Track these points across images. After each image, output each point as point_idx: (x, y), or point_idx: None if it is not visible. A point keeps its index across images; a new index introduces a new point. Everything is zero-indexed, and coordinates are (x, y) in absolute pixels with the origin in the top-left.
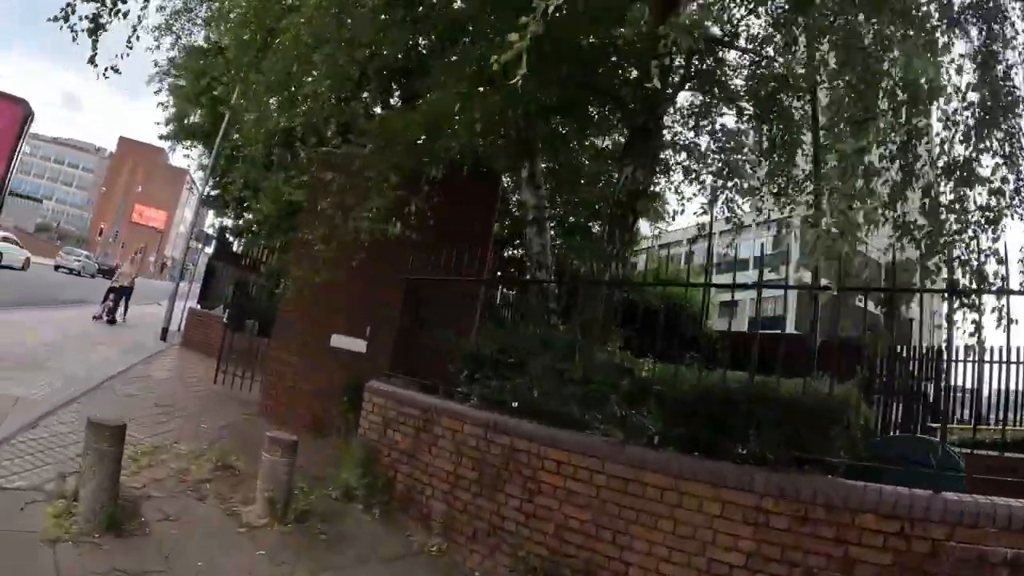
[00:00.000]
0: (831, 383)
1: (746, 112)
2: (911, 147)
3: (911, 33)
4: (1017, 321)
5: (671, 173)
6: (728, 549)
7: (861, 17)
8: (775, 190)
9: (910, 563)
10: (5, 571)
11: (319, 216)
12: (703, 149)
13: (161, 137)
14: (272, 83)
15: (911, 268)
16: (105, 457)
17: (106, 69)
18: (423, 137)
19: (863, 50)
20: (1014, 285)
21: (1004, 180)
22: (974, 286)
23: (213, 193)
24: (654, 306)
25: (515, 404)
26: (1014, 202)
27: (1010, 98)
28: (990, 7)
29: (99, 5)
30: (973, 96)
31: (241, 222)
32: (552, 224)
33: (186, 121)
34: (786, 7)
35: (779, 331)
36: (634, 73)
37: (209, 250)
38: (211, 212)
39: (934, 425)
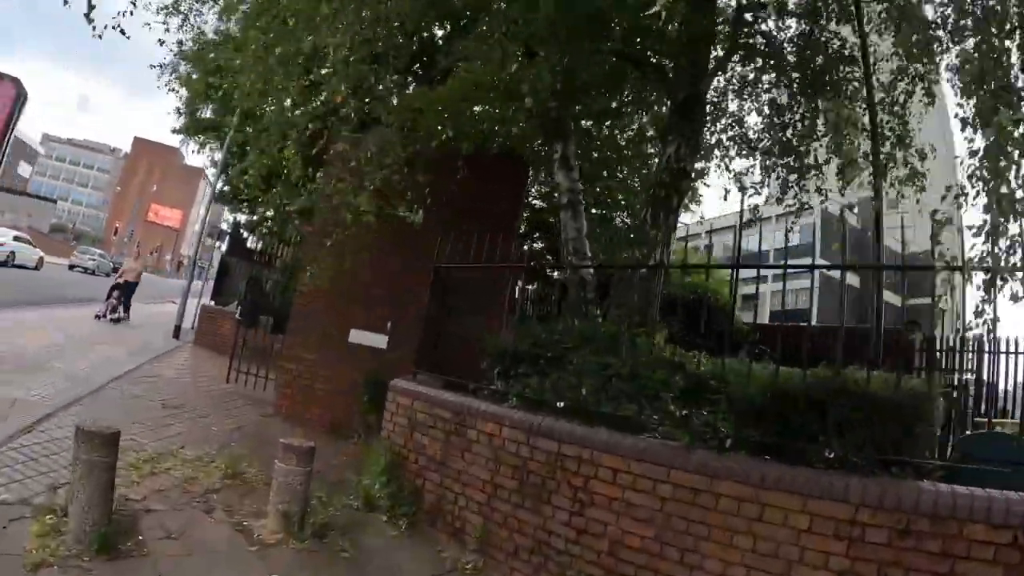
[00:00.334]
0: (899, 377)
1: (797, 85)
2: None
3: None
4: None
5: (716, 151)
6: (817, 568)
7: None
8: (835, 169)
9: None
10: None
11: (330, 201)
12: (750, 125)
13: (173, 131)
14: (287, 70)
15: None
16: (96, 469)
17: (105, 26)
18: (445, 116)
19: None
20: None
21: None
22: None
23: (226, 188)
24: (681, 296)
25: (560, 404)
26: None
27: None
28: None
29: None
30: None
31: (255, 217)
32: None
33: (197, 115)
34: None
35: (807, 322)
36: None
37: (223, 246)
38: (226, 208)
39: (979, 419)
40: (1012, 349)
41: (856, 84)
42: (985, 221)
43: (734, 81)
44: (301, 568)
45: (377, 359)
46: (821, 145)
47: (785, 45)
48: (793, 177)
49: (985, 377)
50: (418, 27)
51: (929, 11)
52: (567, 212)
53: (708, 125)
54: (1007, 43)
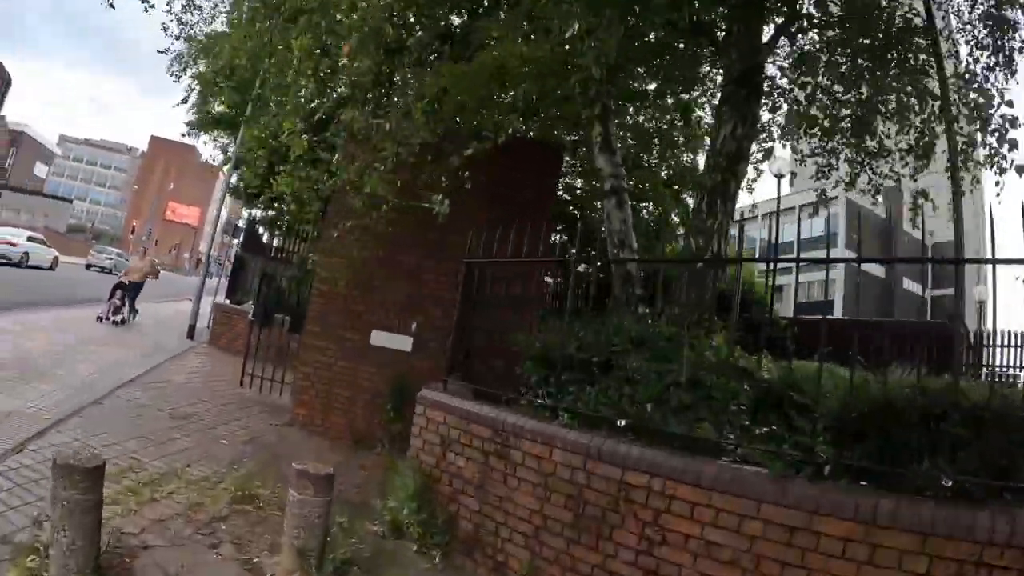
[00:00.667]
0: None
1: (862, 58)
2: None
3: None
4: None
5: (777, 130)
6: None
7: None
8: (904, 147)
9: None
10: None
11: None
12: (813, 101)
13: (187, 124)
14: (301, 64)
15: None
16: (78, 509)
17: None
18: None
19: None
20: None
21: None
22: None
23: (241, 183)
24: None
25: (622, 423)
26: None
27: None
28: None
29: None
30: None
31: (271, 212)
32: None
33: (209, 111)
34: None
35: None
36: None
37: (238, 243)
38: (241, 204)
39: None
40: None
41: (926, 56)
42: None
43: (794, 52)
44: None
45: (401, 363)
46: (891, 124)
47: (846, 15)
48: (858, 157)
49: None
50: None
51: None
52: (611, 200)
53: (765, 102)
54: None
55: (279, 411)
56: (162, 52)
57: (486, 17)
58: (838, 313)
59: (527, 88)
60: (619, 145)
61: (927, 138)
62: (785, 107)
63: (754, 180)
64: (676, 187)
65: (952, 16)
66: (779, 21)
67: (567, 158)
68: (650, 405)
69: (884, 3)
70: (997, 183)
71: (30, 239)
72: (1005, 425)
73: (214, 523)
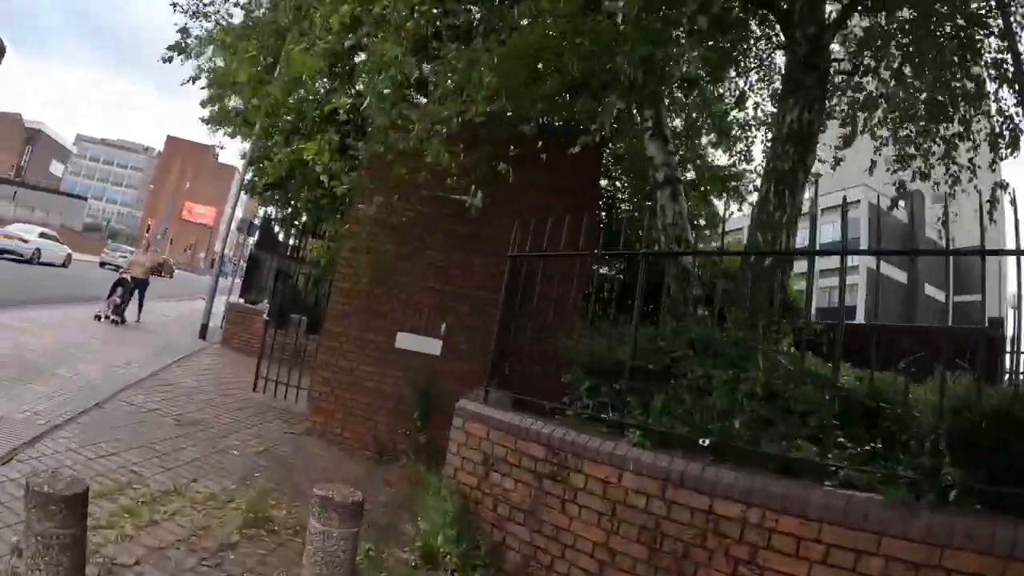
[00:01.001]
0: None
1: (935, 41)
2: None
3: None
4: None
5: (848, 116)
6: None
7: None
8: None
9: None
10: None
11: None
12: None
13: (202, 120)
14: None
15: None
16: (55, 545)
17: None
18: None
19: None
20: None
21: None
22: None
23: (257, 180)
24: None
25: (705, 442)
26: None
27: None
28: None
29: None
30: None
31: (288, 210)
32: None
33: (226, 104)
34: None
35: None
36: None
37: (253, 240)
38: (255, 201)
39: None
40: None
41: (1001, 41)
42: None
43: (857, 34)
44: None
45: (429, 367)
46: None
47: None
48: (936, 147)
49: None
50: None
51: None
52: (664, 191)
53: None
54: None
55: (295, 418)
56: (167, 60)
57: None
58: (859, 318)
59: (576, 67)
60: (671, 136)
61: (1013, 124)
62: (852, 92)
63: (834, 167)
64: (703, 188)
65: None
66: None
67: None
68: (737, 421)
69: None
70: None
71: (42, 236)
72: None
73: (222, 552)
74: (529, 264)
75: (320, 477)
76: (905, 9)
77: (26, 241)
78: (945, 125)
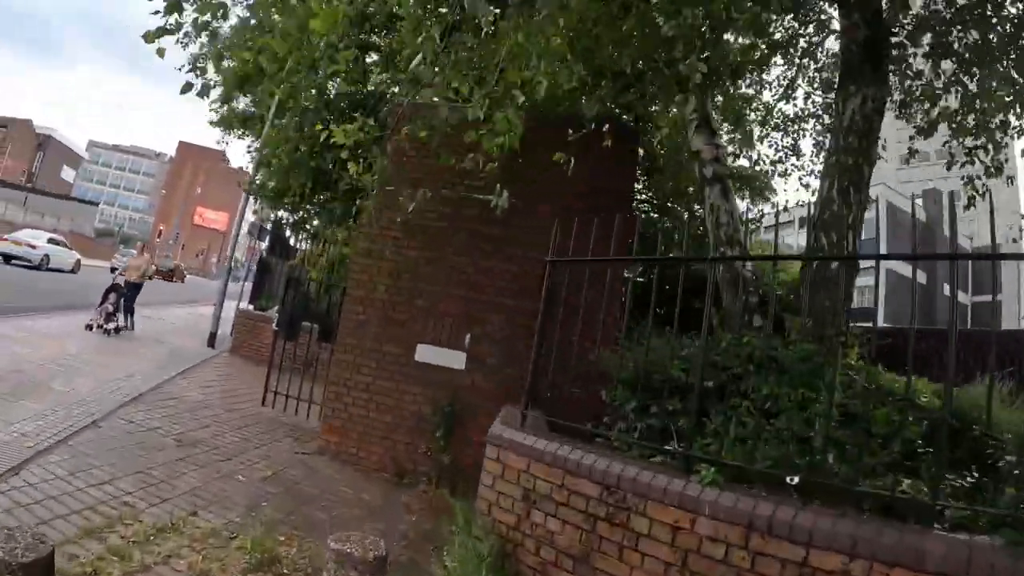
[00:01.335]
0: None
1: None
2: None
3: None
4: None
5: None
6: None
7: None
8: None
9: None
10: None
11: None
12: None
13: (212, 124)
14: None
15: None
16: None
17: None
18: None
19: None
20: None
21: None
22: None
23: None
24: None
25: (794, 480)
26: None
27: None
28: None
29: None
30: None
31: (300, 214)
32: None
33: (233, 105)
34: None
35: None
36: None
37: (263, 245)
38: (262, 204)
39: None
40: None
41: None
42: None
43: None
44: None
45: (453, 382)
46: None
47: None
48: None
49: None
50: None
51: None
52: (713, 188)
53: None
54: None
55: (306, 435)
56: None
57: None
58: (882, 322)
59: (615, 52)
60: (719, 127)
61: None
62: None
63: (908, 159)
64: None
65: None
66: None
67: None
68: (831, 455)
69: None
70: None
71: (51, 241)
72: None
73: None
74: (572, 270)
75: (334, 505)
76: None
77: (34, 247)
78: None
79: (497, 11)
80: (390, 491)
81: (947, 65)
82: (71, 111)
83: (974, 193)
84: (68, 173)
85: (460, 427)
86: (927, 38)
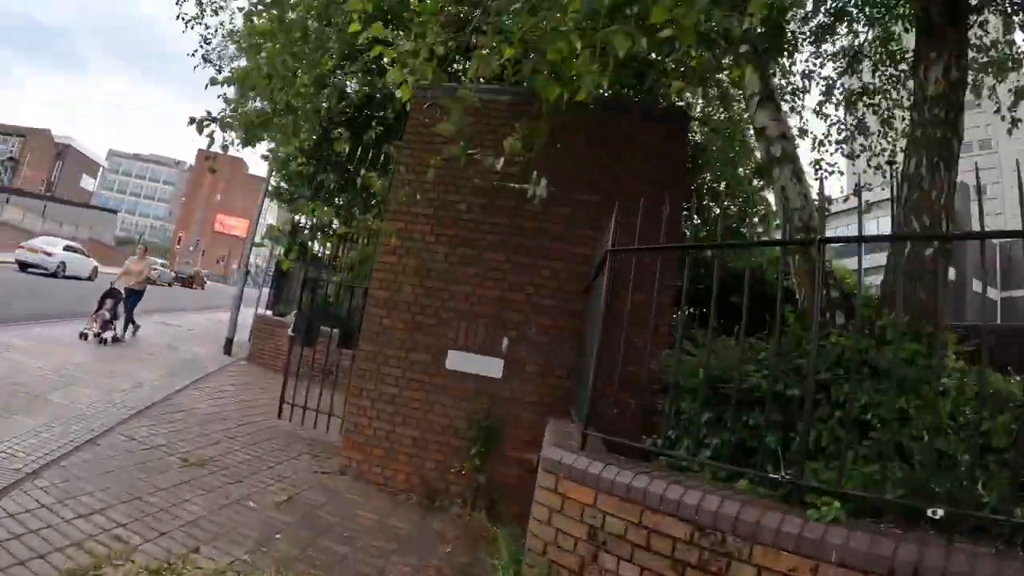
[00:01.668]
0: None
1: None
2: None
3: None
4: None
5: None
6: None
7: None
8: None
9: None
10: None
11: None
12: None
13: (221, 125)
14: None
15: None
16: None
17: None
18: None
19: None
20: None
21: None
22: None
23: (282, 185)
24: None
25: (936, 514)
26: None
27: None
28: None
29: None
30: None
31: (316, 216)
32: None
33: (247, 107)
34: None
35: None
36: None
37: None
38: (279, 207)
39: None
40: None
41: None
42: None
43: None
44: None
45: (488, 393)
46: None
47: None
48: None
49: None
50: None
51: None
52: (783, 169)
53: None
54: None
55: (326, 452)
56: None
57: None
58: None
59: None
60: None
61: None
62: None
63: (1010, 131)
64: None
65: None
66: None
67: None
68: (980, 483)
69: None
70: None
71: (67, 249)
72: None
73: None
74: (640, 262)
75: (357, 535)
76: None
77: (50, 254)
78: None
79: None
80: (420, 516)
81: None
82: (89, 120)
83: None
84: (88, 182)
85: (497, 442)
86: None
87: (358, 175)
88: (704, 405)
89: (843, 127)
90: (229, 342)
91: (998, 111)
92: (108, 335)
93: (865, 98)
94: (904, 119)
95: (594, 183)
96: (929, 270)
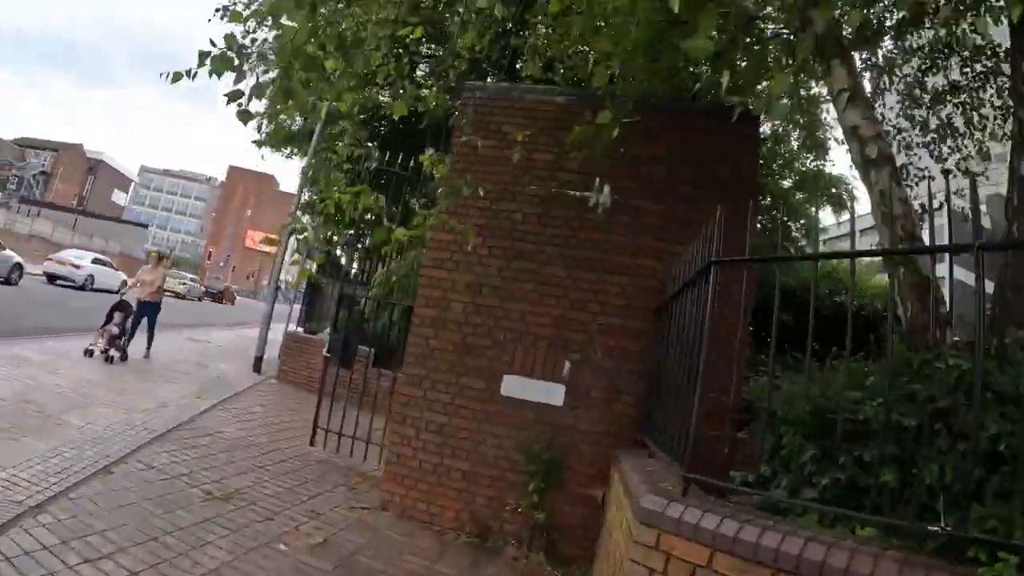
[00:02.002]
0: None
1: None
2: None
3: None
4: None
5: None
6: None
7: None
8: None
9: None
10: None
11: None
12: None
13: (256, 144)
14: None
15: None
16: None
17: None
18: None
19: None
20: None
21: None
22: None
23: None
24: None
25: None
26: None
27: None
28: None
29: None
30: None
31: (352, 231)
32: None
33: (280, 122)
34: None
35: None
36: None
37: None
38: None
39: None
40: None
41: None
42: None
43: None
44: None
45: (548, 422)
46: None
47: None
48: None
49: None
50: None
51: None
52: (881, 171)
53: None
54: None
55: (364, 483)
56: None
57: None
58: None
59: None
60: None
61: None
62: None
63: None
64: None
65: None
66: None
67: None
68: None
69: None
70: None
71: (95, 261)
72: None
73: None
74: (735, 275)
75: None
76: None
77: (78, 267)
78: None
79: None
80: (471, 559)
81: None
82: (123, 136)
83: None
84: (119, 197)
85: (559, 476)
86: None
87: (411, 160)
88: (807, 438)
89: (928, 128)
90: (258, 360)
91: None
92: (115, 353)
93: (950, 97)
94: (994, 118)
95: (658, 191)
96: None
